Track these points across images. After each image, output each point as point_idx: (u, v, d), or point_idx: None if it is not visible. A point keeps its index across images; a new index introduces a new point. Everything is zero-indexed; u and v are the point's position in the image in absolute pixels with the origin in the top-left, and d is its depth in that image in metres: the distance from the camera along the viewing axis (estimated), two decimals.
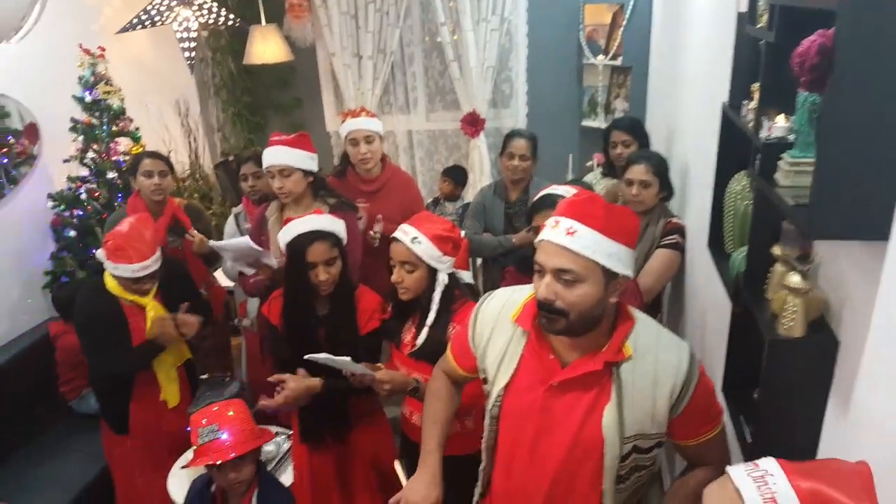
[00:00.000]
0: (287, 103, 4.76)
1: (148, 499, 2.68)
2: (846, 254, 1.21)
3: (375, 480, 2.32)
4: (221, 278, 3.53)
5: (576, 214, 1.30)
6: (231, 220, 3.20)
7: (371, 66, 4.45)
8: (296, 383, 2.08)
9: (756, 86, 1.51)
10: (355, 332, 2.18)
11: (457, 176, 4.12)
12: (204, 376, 2.73)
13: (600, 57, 4.18)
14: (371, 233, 2.91)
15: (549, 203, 2.12)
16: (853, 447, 1.13)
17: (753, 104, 1.50)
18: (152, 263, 2.43)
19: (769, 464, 0.85)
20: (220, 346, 3.41)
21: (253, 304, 3.12)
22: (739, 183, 1.74)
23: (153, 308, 2.51)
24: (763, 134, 1.38)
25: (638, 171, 2.51)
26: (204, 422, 1.83)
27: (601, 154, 3.72)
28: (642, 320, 1.41)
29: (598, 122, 4.28)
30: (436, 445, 1.65)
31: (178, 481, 2.46)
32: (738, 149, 1.78)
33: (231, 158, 4.30)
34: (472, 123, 4.43)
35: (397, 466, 1.75)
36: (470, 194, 4.31)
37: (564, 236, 1.28)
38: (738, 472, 0.86)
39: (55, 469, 2.90)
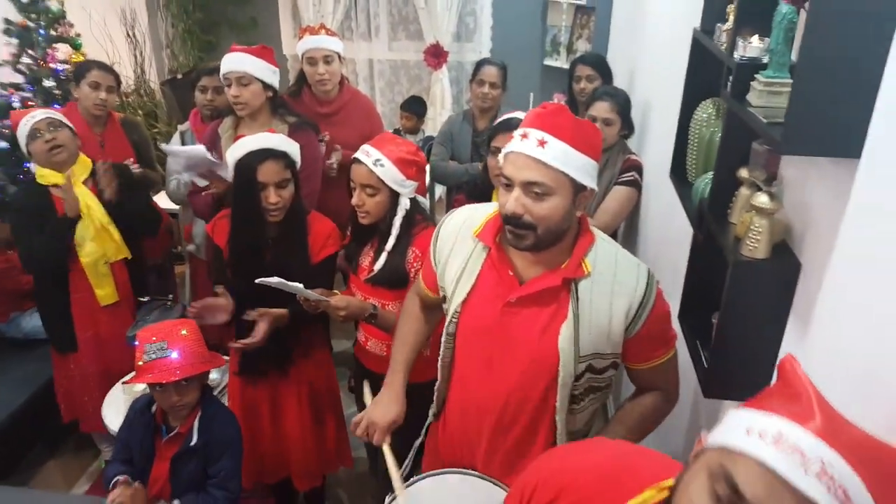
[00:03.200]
0: (242, 23, 4.51)
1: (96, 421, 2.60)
2: (814, 174, 1.19)
3: (310, 411, 2.27)
4: (164, 203, 3.37)
5: (546, 126, 1.25)
6: (176, 137, 3.02)
7: None
8: (272, 317, 1.99)
9: (732, 7, 1.47)
10: (306, 260, 2.08)
11: (417, 109, 4.04)
12: (145, 299, 2.59)
13: None
14: (328, 161, 2.78)
15: (511, 126, 2.07)
16: (810, 371, 1.14)
17: (728, 25, 1.46)
18: (41, 113, 2.37)
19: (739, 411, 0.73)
20: (162, 271, 3.26)
21: (199, 227, 2.97)
22: (705, 111, 1.72)
23: (81, 194, 2.40)
24: (738, 54, 1.34)
25: (601, 108, 2.47)
26: (154, 339, 1.73)
27: (562, 93, 3.69)
28: (602, 238, 1.39)
29: (561, 62, 4.24)
30: (402, 366, 1.63)
31: (117, 409, 2.37)
32: (705, 75, 1.76)
33: (180, 76, 4.04)
34: (436, 55, 4.31)
35: (365, 387, 1.71)
36: (430, 128, 4.24)
37: (535, 147, 1.24)
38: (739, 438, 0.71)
39: None
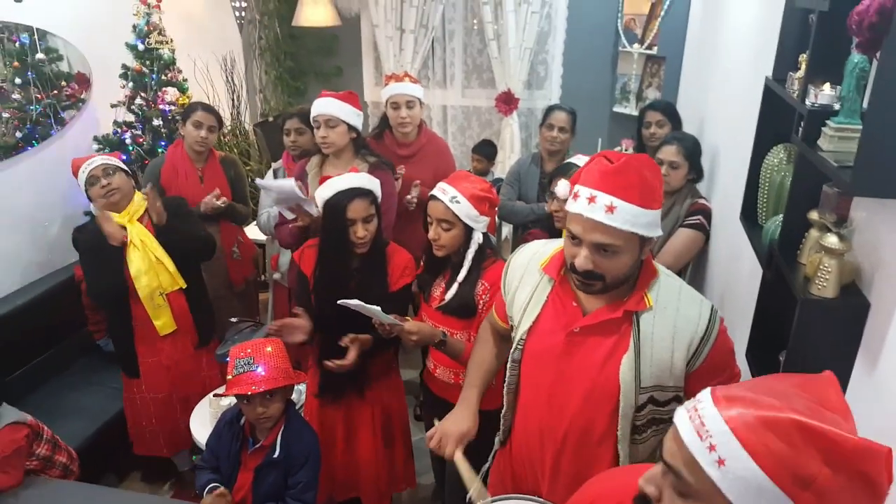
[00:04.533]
0: (328, 70, 4.80)
1: (157, 443, 2.76)
2: (884, 218, 1.20)
3: (381, 434, 2.34)
4: (252, 234, 3.59)
5: (615, 189, 1.26)
6: (270, 174, 3.23)
7: (412, 39, 4.45)
8: (361, 342, 2.08)
9: (804, 56, 1.51)
10: (386, 288, 2.19)
11: (487, 152, 4.14)
12: (234, 320, 2.76)
13: (636, 45, 4.16)
14: (408, 197, 2.92)
15: (568, 171, 2.15)
16: (877, 410, 1.14)
17: (800, 73, 1.50)
18: (99, 160, 2.51)
19: (703, 393, 0.80)
20: (249, 298, 3.45)
21: (285, 257, 3.14)
22: (776, 156, 1.74)
23: (135, 230, 2.53)
24: (809, 101, 1.37)
25: (668, 152, 2.51)
26: (242, 354, 1.86)
27: (630, 139, 3.72)
28: (665, 273, 1.42)
29: (629, 109, 4.28)
30: (477, 381, 1.69)
31: (202, 421, 2.52)
32: (777, 122, 1.77)
33: (271, 119, 4.33)
34: (507, 102, 4.43)
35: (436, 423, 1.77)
36: (499, 170, 4.34)
37: (604, 213, 1.25)
38: (680, 413, 0.81)
39: (80, 401, 2.97)
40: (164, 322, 2.62)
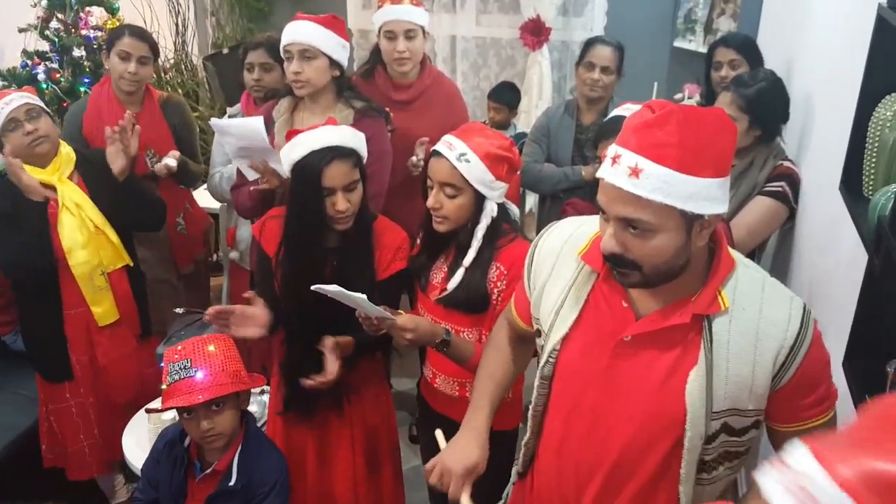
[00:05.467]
0: None
1: (84, 462, 2.78)
2: None
3: (363, 459, 2.34)
4: (203, 201, 3.59)
5: (642, 145, 1.23)
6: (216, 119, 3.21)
7: None
8: (340, 347, 2.06)
9: None
10: (372, 275, 2.17)
11: (508, 98, 4.09)
12: (179, 311, 2.76)
13: None
14: (413, 159, 2.89)
15: (618, 128, 2.12)
16: None
17: None
18: (17, 97, 2.48)
19: (802, 461, 0.76)
20: (197, 282, 3.46)
21: (245, 231, 3.15)
22: (890, 108, 1.71)
23: (67, 190, 2.53)
24: None
25: (723, 101, 2.49)
26: (175, 356, 1.86)
27: (696, 84, 3.69)
28: (745, 264, 1.40)
29: (696, 44, 4.27)
30: (486, 402, 1.68)
31: (137, 440, 2.52)
32: (892, 64, 1.74)
33: (226, 51, 4.32)
34: (535, 32, 4.41)
35: (439, 436, 1.76)
36: (523, 122, 4.32)
37: (628, 178, 1.23)
38: (771, 485, 0.78)
39: None
40: (105, 309, 2.64)
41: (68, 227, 2.52)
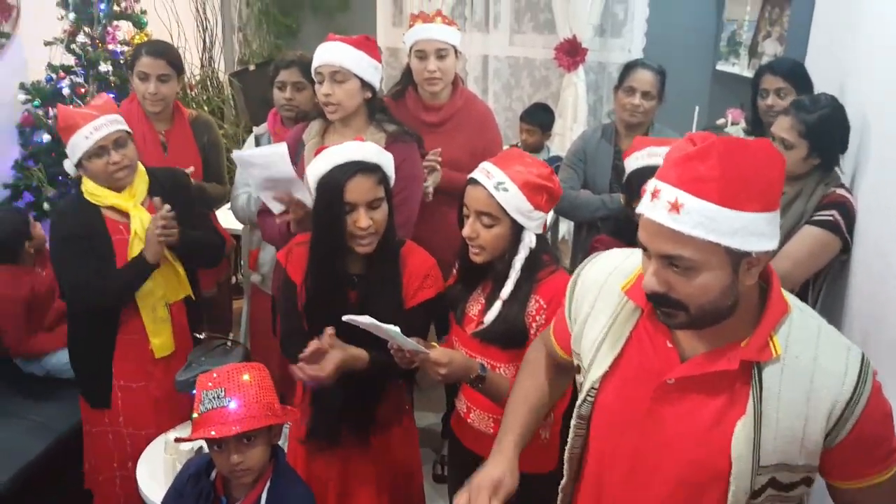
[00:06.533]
0: (330, 3, 4.84)
1: (115, 496, 2.78)
2: None
3: (387, 497, 2.34)
4: (227, 221, 3.60)
5: (681, 180, 1.22)
6: (250, 142, 3.25)
7: None
8: (344, 352, 2.04)
9: None
10: (399, 303, 2.18)
11: (542, 120, 4.12)
12: (200, 336, 2.77)
13: None
14: (424, 185, 2.86)
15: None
16: None
17: None
18: (108, 123, 2.49)
19: None
20: (219, 307, 3.49)
21: (268, 253, 3.16)
22: None
23: (141, 218, 2.56)
24: None
25: (782, 126, 2.48)
26: (210, 384, 1.86)
27: (739, 109, 3.68)
28: (799, 308, 1.38)
29: (740, 68, 4.28)
30: (518, 427, 1.66)
31: (150, 471, 2.53)
32: None
33: (252, 67, 4.37)
34: (571, 53, 4.45)
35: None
36: (557, 145, 4.33)
37: (668, 213, 1.22)
38: None
39: None
40: (163, 341, 2.66)
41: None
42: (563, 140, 4.45)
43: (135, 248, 2.56)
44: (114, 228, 2.58)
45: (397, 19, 4.94)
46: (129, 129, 2.59)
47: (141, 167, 2.65)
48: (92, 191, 2.56)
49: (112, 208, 2.57)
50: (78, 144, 2.48)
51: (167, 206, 2.52)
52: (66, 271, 2.61)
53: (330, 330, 2.03)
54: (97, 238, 2.55)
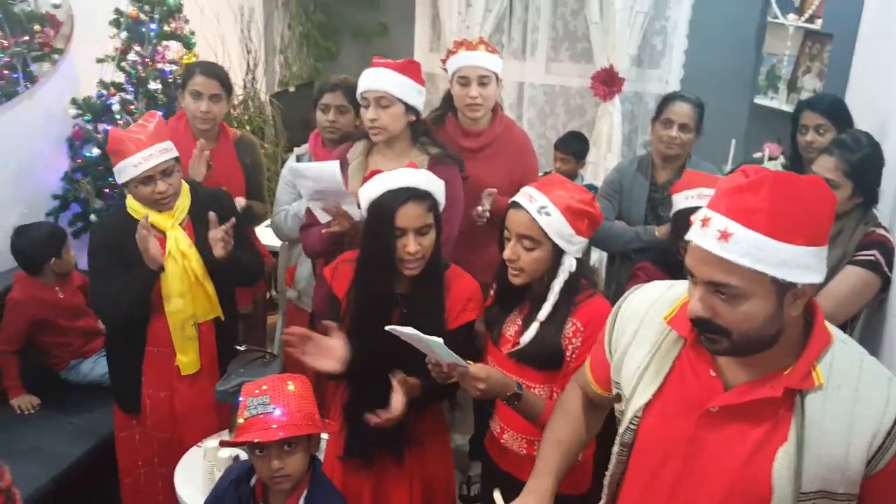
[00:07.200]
0: (369, 28, 4.95)
1: (150, 496, 2.87)
2: None
3: None
4: (266, 238, 3.71)
5: (732, 210, 1.27)
6: (291, 162, 3.30)
7: None
8: (409, 386, 2.11)
9: None
10: (442, 324, 2.23)
11: (575, 148, 4.13)
12: (241, 348, 2.85)
13: (792, 16, 4.16)
14: (478, 209, 2.94)
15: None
16: None
17: None
18: (158, 153, 2.56)
19: None
20: (255, 321, 3.56)
21: (304, 270, 3.26)
22: None
23: (176, 238, 2.64)
24: None
25: (824, 165, 2.49)
26: (257, 391, 1.93)
27: (776, 143, 3.71)
28: (841, 339, 1.42)
29: (778, 102, 4.28)
30: (552, 468, 1.69)
31: (189, 477, 2.61)
32: None
33: (292, 89, 4.49)
34: (607, 82, 4.49)
35: (497, 496, 1.80)
36: (590, 174, 4.38)
37: (717, 241, 1.27)
38: None
39: (32, 440, 3.11)
40: (189, 360, 2.74)
41: (171, 276, 2.64)
42: (596, 169, 4.49)
43: (167, 267, 2.63)
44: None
45: (435, 45, 5.02)
46: (177, 154, 2.66)
47: (185, 186, 2.73)
48: (134, 206, 2.65)
49: (152, 225, 2.64)
50: (126, 170, 2.56)
51: (232, 220, 2.63)
52: (93, 280, 2.72)
53: (399, 375, 2.10)
54: (131, 252, 2.60)
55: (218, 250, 2.64)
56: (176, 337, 2.70)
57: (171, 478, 2.67)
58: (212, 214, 2.65)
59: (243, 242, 2.85)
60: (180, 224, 2.69)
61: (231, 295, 2.91)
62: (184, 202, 2.71)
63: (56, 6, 3.66)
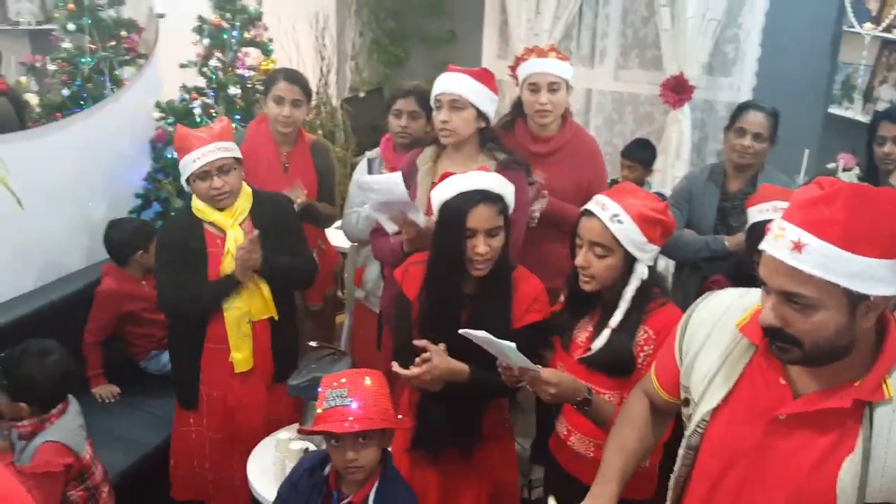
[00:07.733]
0: (438, 35, 5.04)
1: (203, 485, 2.99)
2: None
3: None
4: (336, 239, 3.81)
5: (806, 221, 1.30)
6: (363, 165, 3.39)
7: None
8: (441, 360, 2.17)
9: None
10: (507, 324, 2.27)
11: (642, 156, 4.12)
12: (313, 344, 2.95)
13: (868, 25, 4.11)
14: (530, 209, 2.97)
15: None
16: None
17: None
18: (217, 150, 2.69)
19: None
20: (324, 319, 3.66)
21: (373, 271, 3.33)
22: None
23: (236, 237, 2.75)
24: None
25: None
26: (335, 384, 2.02)
27: (851, 154, 3.67)
28: None
29: (853, 113, 4.23)
30: (617, 475, 1.72)
31: (262, 468, 2.71)
32: None
33: (362, 94, 4.61)
34: (677, 90, 4.47)
35: (552, 502, 1.84)
36: (657, 182, 4.38)
37: (790, 251, 1.29)
38: None
39: (116, 428, 3.25)
40: (243, 357, 2.84)
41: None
42: (664, 177, 4.47)
43: (226, 264, 2.75)
44: (212, 242, 2.79)
45: (503, 51, 5.06)
46: (239, 156, 2.78)
47: (246, 189, 2.84)
48: (198, 206, 2.79)
49: (213, 224, 2.78)
50: (187, 165, 2.72)
51: (256, 233, 2.71)
52: (158, 276, 2.85)
53: (442, 346, 2.17)
54: (194, 250, 2.74)
55: (243, 263, 2.73)
56: (232, 333, 2.80)
57: (230, 479, 2.83)
58: (255, 232, 2.74)
59: (296, 248, 2.94)
60: (240, 224, 2.79)
61: (287, 296, 2.99)
62: (244, 203, 2.82)
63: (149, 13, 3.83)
